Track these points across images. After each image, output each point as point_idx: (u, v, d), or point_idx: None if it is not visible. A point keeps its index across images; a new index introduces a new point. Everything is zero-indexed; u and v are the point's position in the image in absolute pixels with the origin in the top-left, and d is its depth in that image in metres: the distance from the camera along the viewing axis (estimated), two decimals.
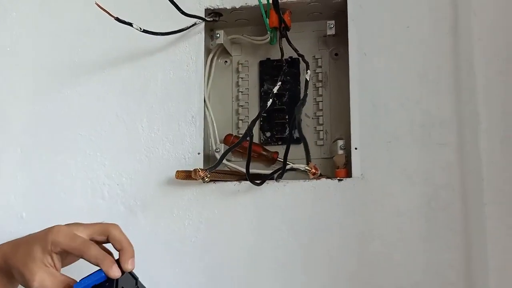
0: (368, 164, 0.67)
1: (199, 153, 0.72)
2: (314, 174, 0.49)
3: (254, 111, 0.80)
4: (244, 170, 0.71)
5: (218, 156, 0.72)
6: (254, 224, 0.69)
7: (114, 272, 0.49)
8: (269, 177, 0.68)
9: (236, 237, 0.69)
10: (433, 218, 0.64)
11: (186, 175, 0.67)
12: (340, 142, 0.71)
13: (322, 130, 0.77)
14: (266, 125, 0.79)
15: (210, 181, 0.70)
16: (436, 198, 0.65)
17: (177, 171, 0.67)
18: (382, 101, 0.68)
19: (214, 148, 0.74)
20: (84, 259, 0.50)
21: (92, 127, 0.73)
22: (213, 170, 0.64)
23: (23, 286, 0.52)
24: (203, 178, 0.63)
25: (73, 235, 0.51)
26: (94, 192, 0.72)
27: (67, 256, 0.53)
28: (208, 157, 0.75)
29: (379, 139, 0.68)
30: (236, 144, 0.61)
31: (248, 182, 0.70)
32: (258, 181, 0.67)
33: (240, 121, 0.80)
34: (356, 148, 0.68)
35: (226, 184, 0.70)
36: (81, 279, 0.50)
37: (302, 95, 0.73)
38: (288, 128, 0.78)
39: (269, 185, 0.69)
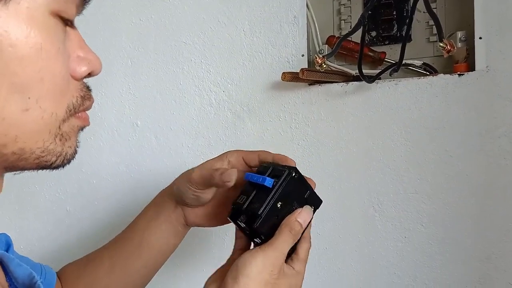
0: (494, 54, 0.60)
1: (303, 55, 0.69)
2: (449, 51, 0.44)
3: (357, 11, 0.74)
4: (351, 71, 0.68)
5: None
6: (363, 126, 0.66)
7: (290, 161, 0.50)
8: (382, 73, 0.64)
9: (344, 140, 0.67)
10: None
11: (293, 77, 0.65)
12: (460, 34, 0.64)
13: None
14: (371, 23, 0.74)
15: (316, 82, 0.68)
16: None
17: (284, 72, 0.65)
18: None
19: (318, 49, 0.71)
20: (260, 159, 0.52)
21: (195, 35, 0.73)
22: (330, 56, 0.61)
23: (193, 200, 0.53)
24: (321, 65, 0.60)
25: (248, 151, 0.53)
26: (201, 99, 0.73)
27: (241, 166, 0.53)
28: (311, 61, 0.72)
29: (507, 26, 0.60)
30: (349, 34, 0.57)
31: (356, 83, 0.66)
32: (369, 78, 0.64)
33: (342, 21, 0.75)
34: (480, 38, 0.61)
35: (333, 85, 0.68)
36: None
37: None
38: (396, 25, 0.72)
39: (379, 84, 0.65)
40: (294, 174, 0.47)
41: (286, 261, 0.45)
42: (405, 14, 0.71)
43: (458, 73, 0.63)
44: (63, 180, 0.80)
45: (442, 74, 0.63)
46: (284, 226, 0.45)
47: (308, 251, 0.48)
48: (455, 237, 0.63)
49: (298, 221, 0.46)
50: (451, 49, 0.44)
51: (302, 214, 0.46)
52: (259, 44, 0.71)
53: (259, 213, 0.44)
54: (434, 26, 0.70)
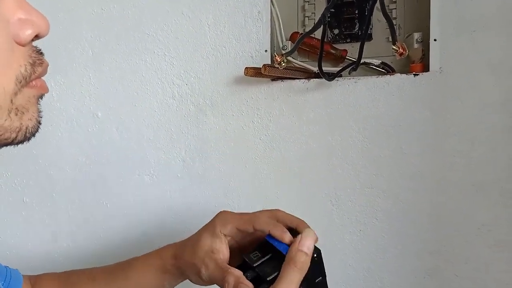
0: (448, 56, 0.63)
1: (266, 51, 0.70)
2: (401, 54, 0.46)
3: (321, 8, 0.76)
4: (312, 68, 0.69)
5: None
6: (324, 122, 0.68)
7: (285, 237, 0.45)
8: (342, 71, 0.66)
9: (305, 135, 0.69)
10: None
11: (256, 72, 0.66)
12: (416, 35, 0.67)
13: (395, 25, 0.72)
14: (333, 21, 0.75)
15: (278, 78, 0.68)
16: None
17: (246, 67, 0.66)
18: None
19: (281, 45, 0.71)
20: (255, 228, 0.47)
21: (159, 26, 0.72)
22: (289, 55, 0.62)
23: (196, 279, 0.50)
24: (280, 63, 0.61)
25: (240, 214, 0.49)
26: (164, 91, 0.73)
27: (238, 236, 0.50)
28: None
29: (462, 29, 0.62)
30: (310, 32, 0.58)
31: (317, 80, 0.68)
32: (329, 76, 0.65)
33: (306, 18, 0.76)
34: (435, 40, 0.63)
35: (295, 81, 0.69)
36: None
37: None
38: (358, 24, 0.74)
39: (340, 82, 0.67)
40: (315, 255, 0.44)
41: None
42: (366, 13, 0.73)
43: (414, 73, 0.65)
44: (19, 170, 0.78)
45: (398, 74, 0.66)
46: (287, 263, 0.41)
47: None
48: (408, 231, 0.66)
49: (302, 250, 0.42)
50: (403, 52, 0.46)
51: (304, 241, 0.42)
52: (223, 38, 0.71)
53: (268, 279, 0.42)
54: (394, 26, 0.72)
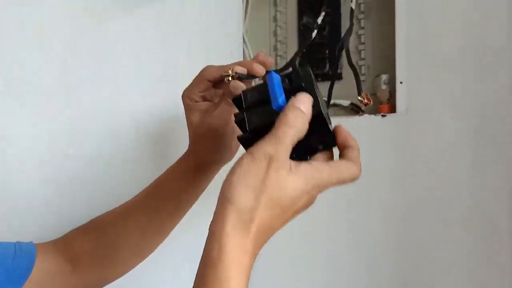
0: (414, 98, 0.65)
1: None
2: (366, 104, 0.47)
3: (292, 47, 0.78)
4: None
5: None
6: None
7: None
8: None
9: None
10: (481, 151, 0.62)
11: None
12: (384, 77, 0.69)
13: (364, 65, 0.75)
14: (305, 61, 0.77)
15: None
16: (486, 131, 0.62)
17: None
18: (431, 29, 0.65)
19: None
20: (209, 80, 0.51)
21: (132, 61, 0.73)
22: None
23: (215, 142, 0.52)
24: None
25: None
26: (137, 129, 0.73)
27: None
28: None
29: (426, 71, 0.65)
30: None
31: None
32: None
33: (279, 57, 0.79)
34: (401, 82, 0.66)
35: None
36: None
37: (343, 28, 0.70)
38: (328, 64, 0.76)
39: None
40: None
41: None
42: (336, 54, 0.75)
43: (382, 114, 0.67)
44: None
45: (367, 115, 0.67)
46: (278, 120, 0.36)
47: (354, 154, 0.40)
48: (376, 263, 0.67)
49: (298, 107, 0.37)
50: (368, 103, 0.48)
51: (298, 98, 0.37)
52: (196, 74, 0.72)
53: (248, 128, 0.38)
54: (363, 67, 0.75)
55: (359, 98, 0.49)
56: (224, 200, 0.34)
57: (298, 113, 0.36)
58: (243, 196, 0.34)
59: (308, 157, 0.40)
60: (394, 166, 0.65)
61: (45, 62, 0.73)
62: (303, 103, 0.37)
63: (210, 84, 0.51)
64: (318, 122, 0.38)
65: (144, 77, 0.73)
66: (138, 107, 0.74)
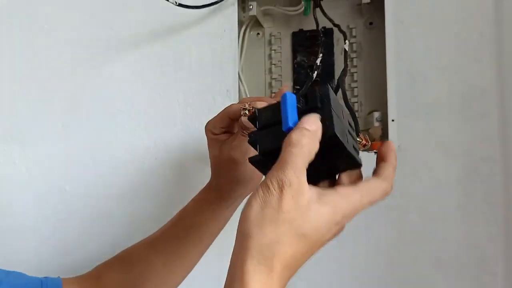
0: (405, 136, 0.66)
1: None
2: (364, 145, 0.48)
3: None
4: None
5: None
6: None
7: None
8: None
9: None
10: (472, 191, 0.63)
11: None
12: (376, 114, 0.71)
13: (357, 102, 0.76)
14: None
15: None
16: (476, 171, 0.64)
17: None
18: (420, 71, 0.67)
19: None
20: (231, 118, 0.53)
21: (130, 103, 0.75)
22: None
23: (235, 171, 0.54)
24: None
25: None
26: (135, 167, 0.74)
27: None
28: None
29: (416, 111, 0.66)
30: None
31: None
32: None
33: (273, 94, 0.80)
34: (393, 120, 0.67)
35: None
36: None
37: (336, 67, 0.72)
38: None
39: None
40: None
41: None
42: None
43: (374, 151, 0.68)
44: None
45: (360, 151, 0.68)
46: (284, 143, 0.35)
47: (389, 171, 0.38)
48: None
49: (305, 128, 0.35)
50: (366, 144, 0.49)
51: (304, 119, 0.36)
52: (193, 114, 0.73)
53: (259, 150, 0.38)
54: (356, 104, 0.76)
55: (357, 139, 0.50)
56: (242, 236, 0.32)
57: (302, 131, 0.35)
58: (261, 230, 0.32)
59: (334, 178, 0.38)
60: (384, 203, 0.66)
61: (45, 101, 0.75)
62: (307, 122, 0.36)
63: (232, 122, 0.53)
64: (335, 142, 0.37)
65: (141, 115, 0.75)
66: (135, 144, 0.75)
